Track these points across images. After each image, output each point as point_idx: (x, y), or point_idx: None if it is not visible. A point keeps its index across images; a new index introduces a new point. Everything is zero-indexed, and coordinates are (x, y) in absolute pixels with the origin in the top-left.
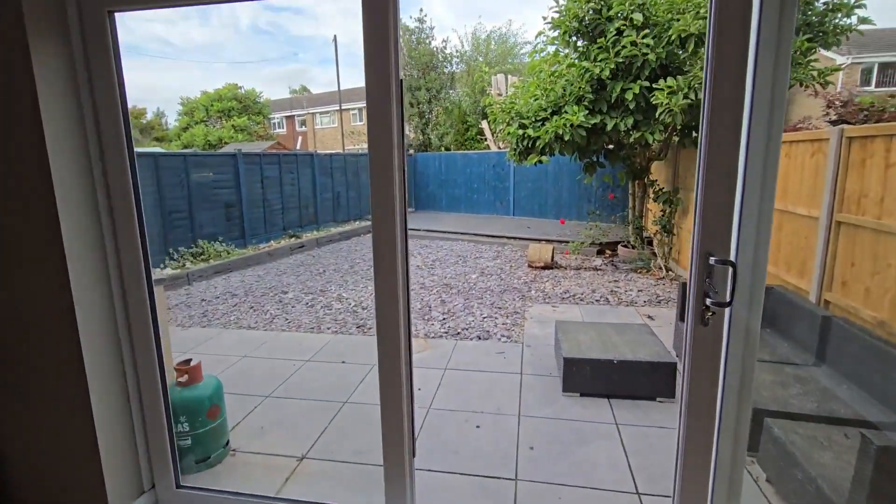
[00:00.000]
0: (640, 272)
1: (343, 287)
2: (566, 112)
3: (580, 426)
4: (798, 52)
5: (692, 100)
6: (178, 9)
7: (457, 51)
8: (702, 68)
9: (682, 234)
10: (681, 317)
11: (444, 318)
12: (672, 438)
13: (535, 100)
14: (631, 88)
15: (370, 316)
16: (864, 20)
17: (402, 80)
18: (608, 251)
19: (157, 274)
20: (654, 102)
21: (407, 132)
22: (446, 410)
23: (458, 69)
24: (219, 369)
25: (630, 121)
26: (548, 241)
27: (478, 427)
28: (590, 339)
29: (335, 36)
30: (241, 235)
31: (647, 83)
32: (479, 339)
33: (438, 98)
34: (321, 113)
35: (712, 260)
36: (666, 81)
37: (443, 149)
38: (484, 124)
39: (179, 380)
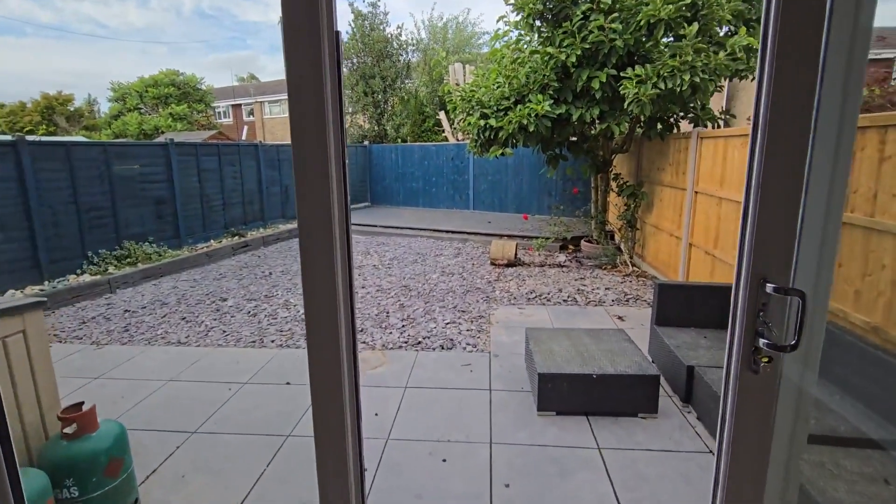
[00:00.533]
0: (605, 268)
1: (291, 291)
2: (530, 101)
3: (560, 454)
4: (739, 49)
5: (661, 89)
6: None
7: (413, 38)
8: (673, 55)
9: (646, 228)
10: (657, 320)
11: (403, 326)
12: (661, 464)
13: (498, 87)
14: (597, 77)
15: None
16: None
17: (338, 34)
18: (571, 246)
19: (71, 281)
20: (621, 92)
21: (361, 122)
22: (408, 441)
23: (415, 58)
24: (135, 398)
25: (596, 111)
26: (510, 236)
27: (444, 461)
28: (564, 349)
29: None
30: (175, 235)
31: (614, 71)
32: (443, 348)
33: (394, 87)
34: (270, 102)
35: (769, 288)
36: (634, 70)
37: (399, 140)
38: (442, 115)
39: (65, 431)
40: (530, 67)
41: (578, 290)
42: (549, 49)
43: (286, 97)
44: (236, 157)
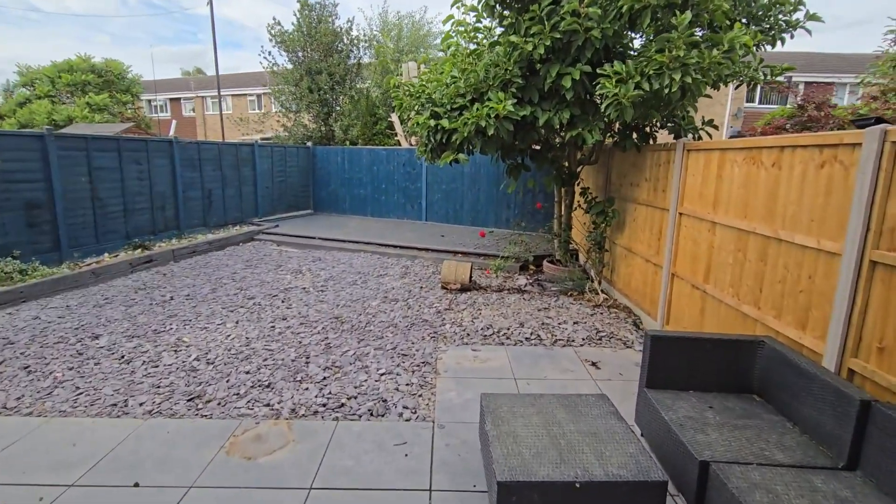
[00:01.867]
0: (571, 296)
1: (190, 324)
2: (489, 100)
3: None
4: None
5: (645, 91)
6: None
7: (364, 35)
8: (660, 50)
9: (616, 250)
10: (648, 381)
11: (324, 379)
12: None
13: (452, 82)
14: (569, 74)
15: (217, 376)
16: (812, 17)
17: None
18: (533, 267)
19: None
20: (597, 93)
21: (306, 122)
22: None
23: (367, 57)
24: None
25: (566, 115)
26: (465, 254)
27: None
28: (532, 432)
29: (210, 3)
30: (54, 247)
31: (588, 68)
32: (372, 415)
33: (343, 85)
34: (213, 97)
35: None
36: (613, 66)
37: (348, 143)
38: (394, 118)
39: None
40: (490, 60)
41: (542, 323)
42: (513, 38)
43: (234, 92)
44: (143, 154)
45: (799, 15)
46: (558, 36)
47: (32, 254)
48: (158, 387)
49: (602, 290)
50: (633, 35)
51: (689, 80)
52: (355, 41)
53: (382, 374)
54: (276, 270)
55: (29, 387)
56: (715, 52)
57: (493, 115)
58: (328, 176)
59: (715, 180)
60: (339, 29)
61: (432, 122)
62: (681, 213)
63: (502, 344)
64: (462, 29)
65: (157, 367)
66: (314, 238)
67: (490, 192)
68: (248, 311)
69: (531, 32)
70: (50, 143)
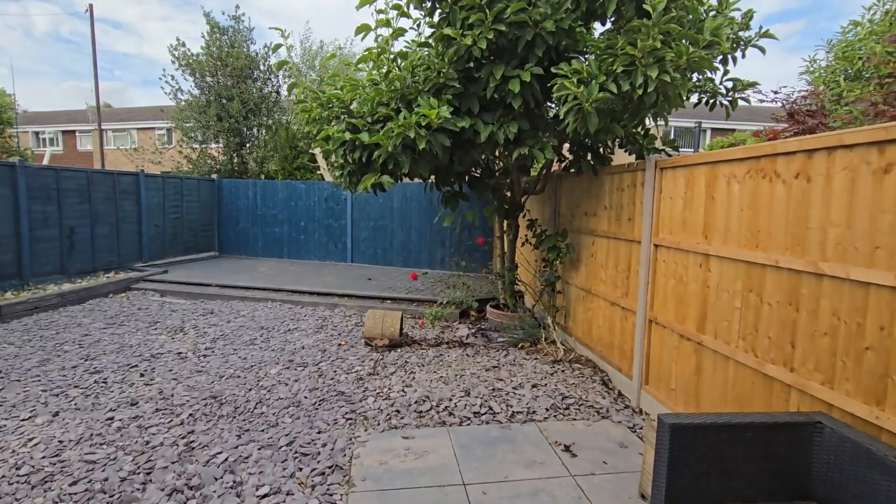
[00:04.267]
0: (523, 348)
1: None
2: (419, 106)
3: None
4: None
5: (612, 93)
6: None
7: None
8: (630, 43)
9: (571, 291)
10: (668, 496)
11: None
12: None
13: (374, 85)
14: (517, 76)
15: None
16: (765, 34)
17: None
18: (474, 313)
19: None
20: (556, 95)
21: (214, 153)
22: None
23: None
24: None
25: (514, 128)
26: (394, 300)
27: None
28: None
29: (90, 8)
30: None
31: (540, 70)
32: None
33: (258, 115)
34: (114, 131)
35: None
36: (572, 65)
37: (263, 177)
38: (317, 150)
39: None
40: (419, 61)
41: (494, 389)
42: (447, 30)
43: (139, 126)
44: None
45: (751, 33)
46: (503, 29)
47: None
48: None
49: (559, 340)
50: (588, 35)
51: (666, 78)
52: (273, 68)
53: (263, 498)
54: (149, 329)
55: None
56: (700, 44)
57: (424, 125)
58: (237, 213)
59: (704, 202)
60: (254, 54)
61: (348, 136)
62: (657, 245)
63: (444, 423)
64: (382, 17)
65: None
66: (209, 285)
67: (423, 229)
68: (83, 395)
69: (469, 23)
70: None
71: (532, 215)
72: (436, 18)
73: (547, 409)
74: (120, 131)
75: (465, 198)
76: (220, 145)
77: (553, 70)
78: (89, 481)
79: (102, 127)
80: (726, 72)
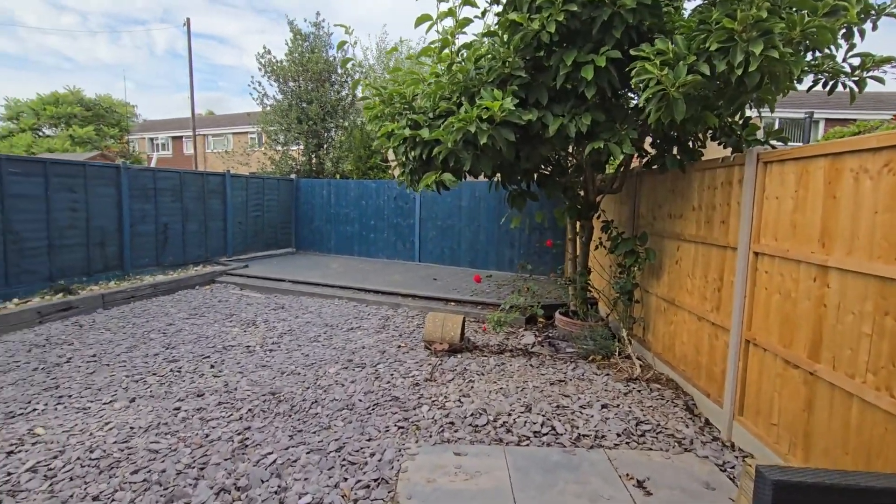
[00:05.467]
0: (594, 361)
1: (65, 402)
2: (482, 98)
3: None
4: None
5: (704, 75)
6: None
7: (360, 65)
8: (728, 15)
9: (651, 301)
10: None
11: None
12: None
13: (436, 79)
14: (591, 62)
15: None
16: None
17: None
18: (542, 320)
19: None
20: (634, 81)
21: (294, 154)
22: None
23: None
24: None
25: (586, 120)
26: (458, 302)
27: None
28: None
29: (187, 21)
30: None
31: (617, 53)
32: None
33: (335, 117)
34: (214, 135)
35: None
36: (655, 45)
37: (338, 176)
38: (390, 150)
39: None
40: (486, 51)
41: (558, 406)
42: (513, 16)
43: (235, 131)
44: (80, 181)
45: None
46: (575, 9)
47: None
48: None
49: (636, 355)
50: (677, 15)
51: (774, 54)
52: (350, 71)
53: None
54: (224, 321)
55: None
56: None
57: (485, 118)
58: (312, 211)
59: (822, 203)
60: (332, 59)
61: (407, 132)
62: (757, 253)
63: (500, 441)
64: (445, 7)
65: None
66: (283, 281)
67: (492, 229)
68: (158, 383)
69: (537, 5)
70: None
71: (607, 216)
72: (500, 6)
73: (618, 435)
74: (218, 136)
75: (534, 197)
76: (300, 147)
77: (632, 52)
78: (149, 471)
79: (204, 132)
80: (851, 46)
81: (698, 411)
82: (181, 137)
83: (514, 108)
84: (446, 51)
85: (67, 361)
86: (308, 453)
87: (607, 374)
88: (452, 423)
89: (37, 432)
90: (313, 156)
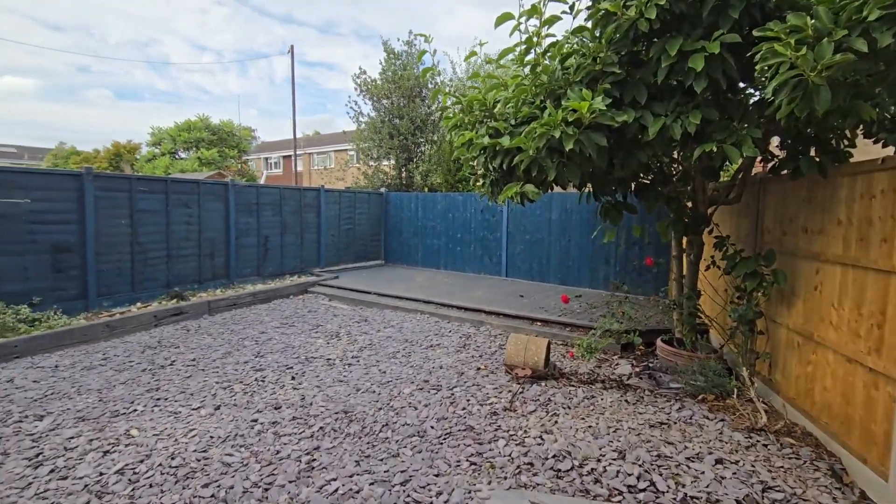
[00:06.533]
0: (705, 401)
1: (161, 406)
2: (570, 100)
3: None
4: None
5: (861, 53)
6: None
7: (450, 80)
8: None
9: (782, 335)
10: None
11: None
12: None
13: (517, 83)
14: (700, 49)
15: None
16: None
17: None
18: (641, 348)
19: None
20: (758, 67)
21: (386, 169)
22: None
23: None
24: None
25: (695, 119)
26: (545, 322)
27: None
28: None
29: (290, 49)
30: (82, 294)
31: (736, 37)
32: None
33: (424, 131)
34: (318, 153)
35: None
36: (786, 22)
37: (426, 189)
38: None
39: None
40: (573, 48)
41: (659, 456)
42: (606, 4)
43: (335, 149)
44: (194, 197)
45: None
46: None
47: (55, 301)
48: None
49: (761, 399)
50: None
51: None
52: (440, 87)
53: None
54: (311, 332)
55: None
56: None
57: (571, 122)
58: (401, 224)
59: None
60: (427, 77)
61: (486, 141)
62: None
63: (587, 493)
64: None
65: (64, 479)
66: (369, 293)
67: (584, 244)
68: (243, 392)
69: None
70: (87, 182)
71: (722, 231)
72: None
73: (738, 502)
74: (322, 153)
75: (631, 209)
76: (392, 161)
77: (756, 33)
78: (218, 486)
79: (309, 151)
80: None
81: (849, 480)
82: (290, 156)
83: (605, 109)
84: (531, 55)
85: (171, 364)
86: (371, 484)
87: (722, 420)
88: (531, 465)
89: (132, 434)
90: (403, 169)
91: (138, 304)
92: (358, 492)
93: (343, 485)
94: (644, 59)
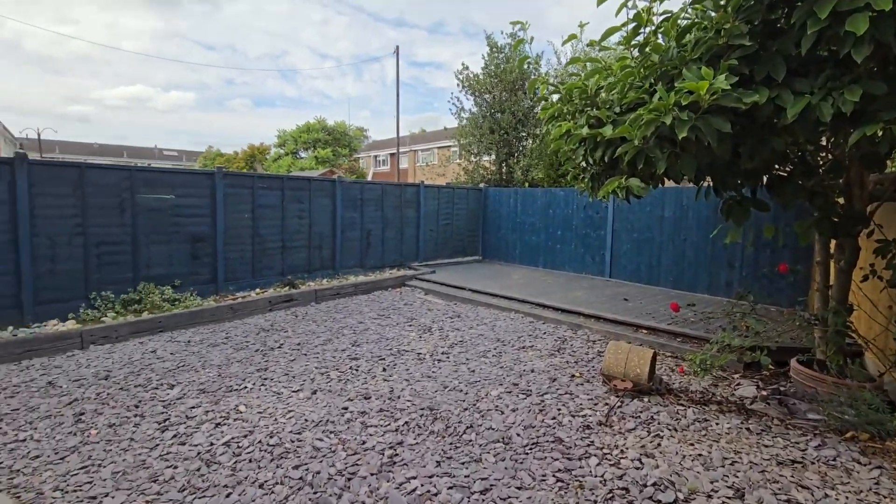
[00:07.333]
0: (855, 440)
1: (267, 385)
2: (685, 80)
3: None
4: None
5: None
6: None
7: (554, 70)
8: None
9: None
10: None
11: None
12: None
13: (623, 69)
14: (864, 9)
15: (222, 482)
16: None
17: None
18: (770, 368)
19: (48, 328)
20: None
21: (487, 164)
22: None
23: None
24: None
25: (854, 95)
26: (652, 330)
27: None
28: None
29: (396, 49)
30: (212, 279)
31: None
32: None
33: (526, 124)
34: (422, 150)
35: None
36: None
37: (526, 184)
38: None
39: None
40: (691, 23)
41: (787, 502)
42: None
43: (439, 146)
44: (306, 193)
45: None
46: None
47: (192, 284)
48: (155, 481)
49: None
50: None
51: None
52: (544, 78)
53: None
54: (405, 325)
55: (53, 442)
56: None
57: (686, 105)
58: (499, 220)
59: None
60: (526, 66)
61: (585, 132)
62: None
63: None
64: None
65: (183, 444)
66: (463, 289)
67: (702, 245)
68: (338, 379)
69: None
70: (219, 180)
71: (887, 234)
72: None
73: None
74: (426, 150)
75: (762, 207)
76: (492, 157)
77: None
78: (307, 469)
79: (415, 148)
80: None
81: None
82: (395, 154)
83: (729, 89)
84: (640, 37)
85: (279, 347)
86: (450, 489)
87: (879, 468)
88: (626, 491)
89: (240, 409)
90: (503, 165)
91: (257, 290)
92: (436, 494)
93: (422, 485)
94: (782, 28)
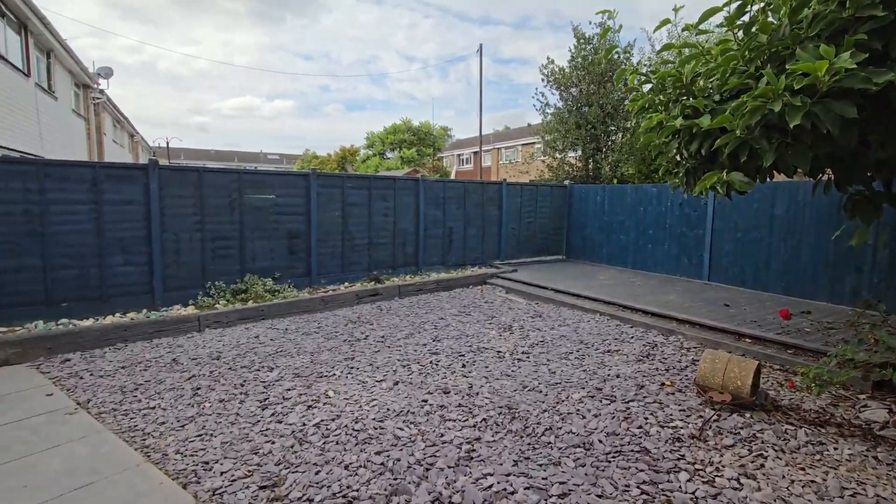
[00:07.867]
0: None
1: (353, 374)
2: (799, 60)
3: None
4: None
5: None
6: (423, 69)
7: (647, 59)
8: None
9: None
10: None
11: None
12: None
13: (724, 52)
14: None
15: (315, 461)
16: None
17: None
18: None
19: (173, 312)
20: None
21: (572, 160)
22: None
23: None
24: None
25: None
26: (756, 340)
27: None
28: None
29: (479, 47)
30: (306, 273)
31: None
32: None
33: (616, 118)
34: (506, 148)
35: None
36: None
37: (615, 181)
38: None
39: None
40: None
41: None
42: None
43: (523, 143)
44: (391, 192)
45: None
46: None
47: (289, 277)
48: (255, 453)
49: None
50: None
51: None
52: (636, 68)
53: None
54: (485, 322)
55: (175, 411)
56: None
57: (798, 89)
58: (584, 218)
59: None
60: (615, 56)
61: (679, 123)
62: None
63: None
64: None
65: (280, 422)
66: (546, 288)
67: (820, 246)
68: (419, 372)
69: None
70: (313, 181)
71: None
72: None
73: None
74: (510, 148)
75: (894, 201)
76: (578, 153)
77: None
78: (388, 456)
79: (498, 146)
80: None
81: None
82: (478, 152)
83: (855, 67)
84: (745, 17)
85: (365, 338)
86: (527, 489)
87: None
88: None
89: (329, 394)
90: (590, 161)
91: (346, 284)
92: (512, 493)
93: (498, 482)
94: None
